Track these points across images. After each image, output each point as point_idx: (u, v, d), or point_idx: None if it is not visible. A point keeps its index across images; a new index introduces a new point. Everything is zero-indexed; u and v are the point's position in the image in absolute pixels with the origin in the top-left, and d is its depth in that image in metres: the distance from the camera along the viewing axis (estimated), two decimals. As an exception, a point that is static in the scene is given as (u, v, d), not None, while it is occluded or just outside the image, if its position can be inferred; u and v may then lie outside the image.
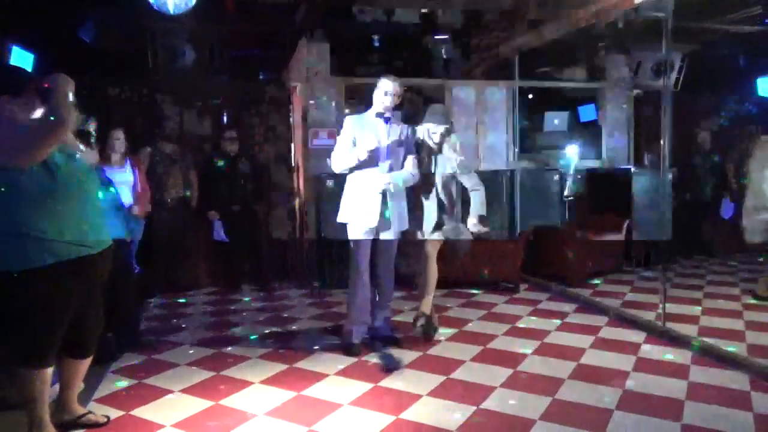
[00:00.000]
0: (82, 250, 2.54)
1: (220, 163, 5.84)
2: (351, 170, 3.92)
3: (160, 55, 5.89)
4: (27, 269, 2.43)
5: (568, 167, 6.85)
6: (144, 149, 5.47)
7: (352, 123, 3.96)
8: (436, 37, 7.10)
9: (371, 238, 3.96)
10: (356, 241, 3.95)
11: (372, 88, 4.01)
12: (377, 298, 4.18)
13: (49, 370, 2.61)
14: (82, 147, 2.75)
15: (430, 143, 4.08)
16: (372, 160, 3.84)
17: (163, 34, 5.86)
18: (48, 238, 2.45)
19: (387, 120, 3.94)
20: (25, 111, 2.53)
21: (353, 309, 4.03)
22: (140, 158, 5.30)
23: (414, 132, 4.10)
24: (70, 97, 2.49)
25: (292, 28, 6.43)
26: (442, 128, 4.04)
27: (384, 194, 3.88)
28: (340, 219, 4.00)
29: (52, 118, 2.41)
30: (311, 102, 6.38)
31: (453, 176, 4.13)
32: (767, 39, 6.52)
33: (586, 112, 7.72)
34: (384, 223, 3.92)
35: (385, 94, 3.90)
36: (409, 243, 4.27)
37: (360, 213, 3.89)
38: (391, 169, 3.88)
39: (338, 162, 3.93)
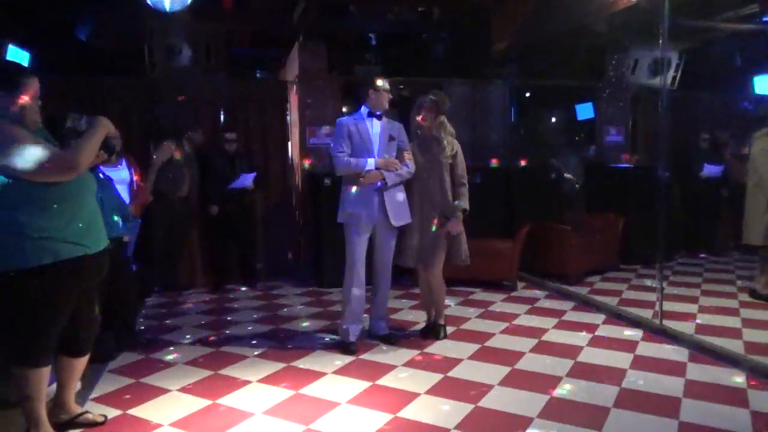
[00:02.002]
0: (80, 250, 2.53)
1: (219, 162, 5.85)
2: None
3: (157, 54, 5.87)
4: (25, 268, 2.42)
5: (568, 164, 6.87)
6: (166, 143, 5.48)
7: (345, 124, 4.00)
8: (433, 34, 7.11)
9: (368, 235, 3.98)
10: (353, 239, 3.97)
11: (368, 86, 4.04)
12: (375, 297, 4.19)
13: (47, 369, 2.60)
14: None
15: (419, 120, 4.09)
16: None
17: (159, 33, 5.84)
18: (45, 238, 2.44)
19: (379, 117, 4.00)
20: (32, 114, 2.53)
21: (349, 307, 4.03)
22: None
23: (406, 127, 4.14)
24: (97, 143, 2.55)
25: (289, 26, 6.42)
26: (427, 98, 4.07)
27: (380, 191, 3.89)
28: (340, 219, 4.02)
29: (66, 157, 2.42)
30: (308, 100, 6.37)
31: (447, 164, 4.08)
32: (764, 37, 6.53)
33: (584, 111, 7.73)
34: (381, 220, 3.94)
35: (380, 94, 3.97)
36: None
37: (357, 211, 3.90)
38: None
39: (342, 169, 3.96)
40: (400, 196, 4.02)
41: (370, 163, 3.88)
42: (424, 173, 4.05)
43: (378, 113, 4.00)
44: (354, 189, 3.93)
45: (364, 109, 4.02)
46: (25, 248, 2.41)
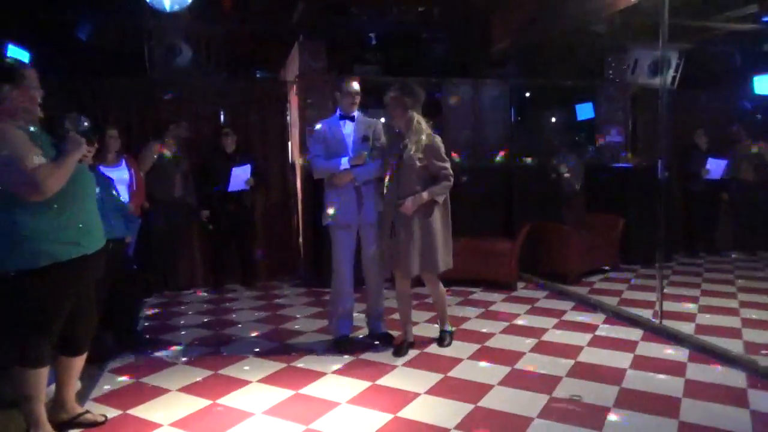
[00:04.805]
0: (79, 250, 2.53)
1: (217, 161, 5.84)
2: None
3: (157, 54, 5.87)
4: (23, 270, 2.42)
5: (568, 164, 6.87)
6: (151, 143, 5.46)
7: (321, 127, 4.07)
8: (433, 34, 7.11)
9: (353, 235, 4.01)
10: (337, 240, 4.01)
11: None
12: (368, 296, 4.19)
13: (45, 369, 2.60)
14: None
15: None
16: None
17: (159, 33, 5.84)
18: (44, 239, 2.44)
19: (352, 119, 4.03)
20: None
21: (336, 307, 4.08)
22: (148, 153, 5.32)
23: (382, 127, 4.10)
24: (70, 168, 2.47)
25: (289, 26, 6.42)
26: (388, 96, 3.82)
27: (357, 190, 3.92)
28: (323, 222, 4.05)
29: (36, 181, 2.36)
30: (308, 100, 6.37)
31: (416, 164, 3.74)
32: (764, 37, 6.53)
33: (584, 110, 7.73)
34: (363, 219, 3.97)
35: (350, 96, 3.98)
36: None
37: (337, 212, 3.94)
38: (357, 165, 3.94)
39: (317, 171, 4.04)
40: (376, 194, 4.01)
41: (344, 162, 3.90)
42: (390, 173, 3.82)
43: (351, 115, 4.03)
44: (332, 191, 3.97)
45: (338, 111, 4.07)
46: (24, 250, 2.41)
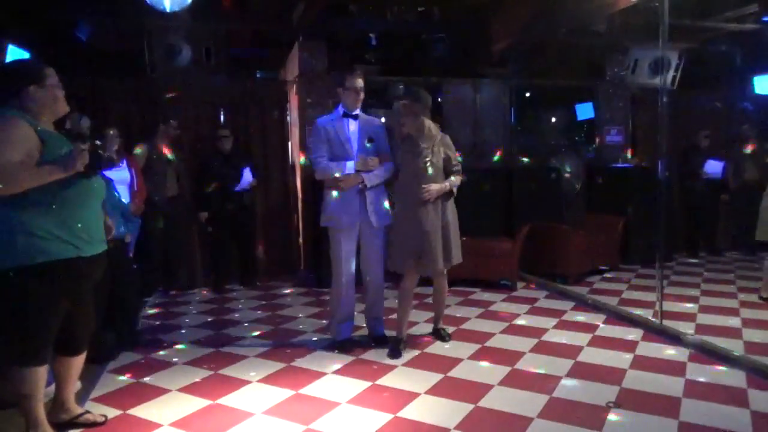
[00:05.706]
0: (73, 251, 2.52)
1: (215, 161, 5.84)
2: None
3: (157, 54, 5.87)
4: (19, 267, 2.42)
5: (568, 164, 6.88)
6: (141, 147, 5.46)
7: (322, 125, 3.93)
8: (433, 34, 7.12)
9: (354, 236, 3.96)
10: (336, 242, 3.95)
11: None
12: (366, 297, 4.18)
13: (43, 368, 2.59)
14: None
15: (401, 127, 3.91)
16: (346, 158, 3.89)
17: (159, 33, 5.84)
18: (41, 237, 2.43)
19: (355, 117, 3.95)
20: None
21: (336, 308, 4.06)
22: (136, 156, 5.31)
23: (386, 126, 4.09)
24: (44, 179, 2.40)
25: (289, 26, 6.43)
26: (399, 104, 3.89)
27: (360, 193, 3.88)
28: (321, 223, 4.01)
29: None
30: (308, 100, 6.37)
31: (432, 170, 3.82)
32: (764, 37, 6.53)
33: (584, 110, 7.73)
34: (364, 221, 3.92)
35: (354, 92, 3.89)
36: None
37: (338, 215, 3.89)
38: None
39: (320, 173, 3.93)
40: (382, 197, 3.98)
41: (349, 166, 3.82)
42: (412, 179, 3.81)
43: (353, 113, 3.93)
44: (335, 193, 3.89)
45: (340, 109, 3.96)
46: (18, 245, 2.40)
